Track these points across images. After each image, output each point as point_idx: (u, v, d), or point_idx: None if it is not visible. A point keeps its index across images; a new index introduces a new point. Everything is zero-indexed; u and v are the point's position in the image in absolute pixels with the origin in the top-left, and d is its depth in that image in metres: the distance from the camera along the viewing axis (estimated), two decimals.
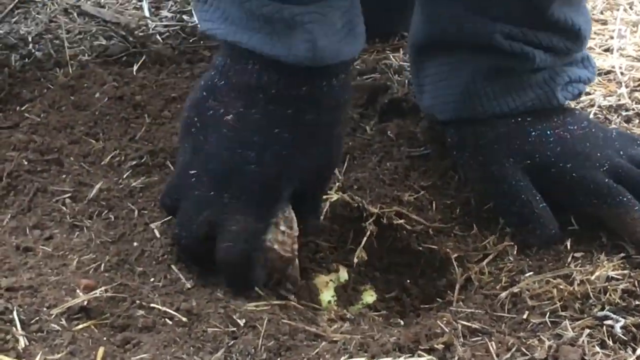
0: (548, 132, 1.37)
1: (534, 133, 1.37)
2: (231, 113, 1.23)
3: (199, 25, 1.30)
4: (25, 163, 1.39)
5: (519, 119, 1.40)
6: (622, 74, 1.54)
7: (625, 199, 1.30)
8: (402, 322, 1.22)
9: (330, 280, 1.29)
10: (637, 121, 1.50)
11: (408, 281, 1.33)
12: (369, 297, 1.30)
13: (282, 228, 1.24)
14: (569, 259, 1.27)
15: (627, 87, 1.53)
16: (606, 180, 1.32)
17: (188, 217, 1.24)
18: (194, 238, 1.23)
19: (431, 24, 1.48)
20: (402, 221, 1.34)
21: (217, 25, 1.24)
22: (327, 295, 1.27)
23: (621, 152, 1.36)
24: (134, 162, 1.39)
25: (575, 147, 1.35)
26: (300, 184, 1.26)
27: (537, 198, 1.33)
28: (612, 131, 1.45)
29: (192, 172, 1.24)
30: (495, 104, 1.39)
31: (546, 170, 1.35)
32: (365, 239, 1.31)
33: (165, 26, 1.66)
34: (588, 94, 1.52)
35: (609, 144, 1.37)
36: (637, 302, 1.19)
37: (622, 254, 1.27)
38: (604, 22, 1.64)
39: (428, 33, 1.48)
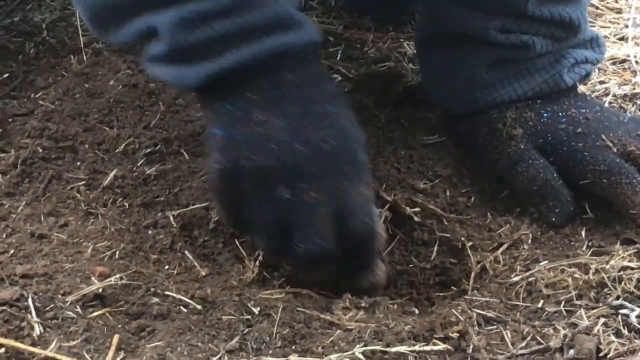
0: (560, 114, 1.38)
1: (545, 115, 1.39)
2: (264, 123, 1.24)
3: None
4: (40, 150, 1.40)
5: (530, 102, 1.40)
6: (637, 62, 1.54)
7: (635, 180, 1.30)
8: (416, 311, 1.21)
9: None
10: None
11: (423, 269, 1.33)
12: None
13: None
14: (584, 248, 1.27)
15: None
16: (617, 160, 1.31)
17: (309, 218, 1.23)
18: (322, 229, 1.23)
19: (431, 19, 1.50)
20: (417, 209, 1.34)
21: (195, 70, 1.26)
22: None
23: (633, 134, 1.38)
24: (149, 150, 1.39)
25: (587, 128, 1.35)
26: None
27: (555, 176, 1.34)
28: (625, 115, 1.46)
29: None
30: (503, 92, 1.40)
31: (558, 149, 1.36)
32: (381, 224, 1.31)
33: None
34: (603, 82, 1.51)
35: (620, 126, 1.37)
36: None
37: (637, 243, 1.26)
38: (619, 11, 1.63)
39: (429, 28, 1.51)
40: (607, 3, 1.65)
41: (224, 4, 1.21)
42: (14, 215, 1.29)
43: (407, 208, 1.33)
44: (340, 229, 1.23)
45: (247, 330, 1.12)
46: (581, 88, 1.53)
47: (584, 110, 1.37)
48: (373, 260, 1.28)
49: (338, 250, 1.23)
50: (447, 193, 1.37)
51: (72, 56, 1.63)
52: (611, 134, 1.32)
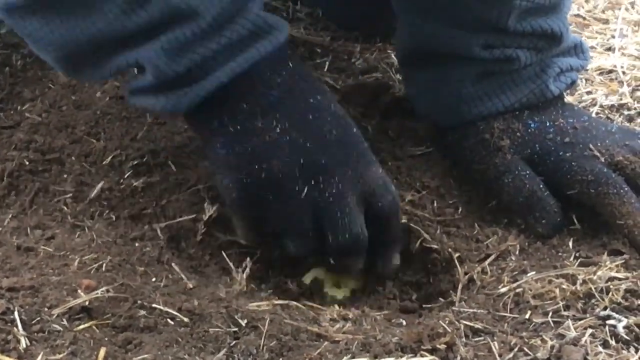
0: (548, 124, 1.38)
1: (532, 125, 1.39)
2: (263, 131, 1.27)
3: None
4: (27, 163, 1.40)
5: (517, 113, 1.41)
6: (623, 73, 1.55)
7: (622, 191, 1.30)
8: (404, 322, 1.21)
9: (341, 279, 1.31)
10: (639, 120, 1.50)
11: (410, 280, 1.33)
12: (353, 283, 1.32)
13: None
14: (571, 259, 1.27)
15: (629, 86, 1.53)
16: (605, 170, 1.32)
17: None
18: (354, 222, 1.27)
19: (413, 37, 1.51)
20: (404, 220, 1.34)
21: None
22: (337, 292, 1.30)
23: (621, 144, 1.37)
24: (136, 162, 1.39)
25: (574, 137, 1.36)
26: None
27: (541, 187, 1.34)
28: (613, 125, 1.45)
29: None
30: (490, 105, 1.41)
31: (546, 159, 1.36)
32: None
33: None
34: (590, 93, 1.52)
35: (608, 136, 1.37)
36: (639, 302, 1.19)
37: (625, 254, 1.26)
38: (606, 22, 1.64)
39: (411, 45, 1.51)
40: (594, 14, 1.66)
41: (203, 27, 1.23)
42: (0, 228, 1.29)
43: None
44: (368, 210, 1.27)
45: (234, 342, 1.11)
46: (569, 99, 1.53)
47: (571, 120, 1.38)
48: (400, 233, 1.32)
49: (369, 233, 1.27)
50: (435, 204, 1.37)
51: None
52: (599, 144, 1.33)
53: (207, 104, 1.26)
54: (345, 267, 1.28)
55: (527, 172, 1.34)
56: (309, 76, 1.35)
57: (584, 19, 1.64)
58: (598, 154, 1.31)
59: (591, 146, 1.33)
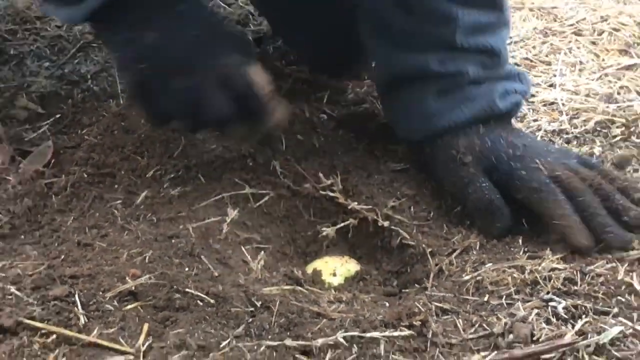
0: (501, 140, 1.38)
1: (489, 141, 1.38)
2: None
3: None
4: (85, 176, 1.41)
5: (475, 129, 1.41)
6: (563, 104, 1.54)
7: (559, 198, 1.31)
8: (387, 304, 1.21)
9: (337, 269, 1.30)
10: (575, 142, 1.50)
11: (392, 269, 1.34)
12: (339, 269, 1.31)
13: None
14: (521, 253, 1.26)
15: (567, 115, 1.53)
16: (546, 181, 1.32)
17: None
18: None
19: (381, 67, 1.51)
20: (387, 221, 1.35)
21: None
22: (332, 274, 1.29)
23: (559, 162, 1.37)
24: (172, 175, 1.40)
25: (523, 152, 1.36)
26: None
27: (498, 196, 1.34)
28: (553, 146, 1.46)
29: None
30: (452, 117, 1.40)
31: (500, 169, 1.36)
32: (349, 224, 1.36)
33: None
34: (536, 120, 1.52)
35: (550, 154, 1.38)
36: (575, 288, 1.19)
37: (563, 250, 1.26)
38: (549, 63, 1.64)
39: (381, 75, 1.52)
40: (539, 57, 1.66)
41: None
42: (64, 228, 1.29)
43: (380, 220, 1.34)
44: (229, 92, 1.28)
45: (250, 320, 1.12)
46: (518, 125, 1.53)
47: (520, 139, 1.38)
48: (262, 107, 1.31)
49: (237, 108, 1.29)
50: (412, 209, 1.37)
51: (111, 100, 1.63)
52: (542, 159, 1.33)
53: (99, 18, 1.30)
54: (227, 137, 1.31)
55: (486, 183, 1.34)
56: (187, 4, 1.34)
57: (532, 61, 1.64)
58: (542, 168, 1.31)
59: (536, 160, 1.33)
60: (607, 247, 1.27)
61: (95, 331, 1.08)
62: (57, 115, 1.63)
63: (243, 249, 1.28)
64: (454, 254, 1.28)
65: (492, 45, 1.43)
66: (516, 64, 1.64)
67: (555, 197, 1.30)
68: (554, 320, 1.14)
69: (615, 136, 1.47)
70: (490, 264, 1.25)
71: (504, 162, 1.35)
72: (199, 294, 1.15)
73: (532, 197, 1.32)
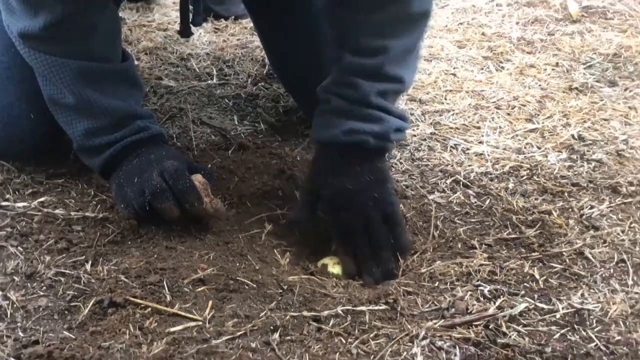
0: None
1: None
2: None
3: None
4: None
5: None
6: (488, 155, 1.53)
7: (357, 239, 1.20)
8: (369, 289, 1.21)
9: (337, 264, 1.24)
10: (496, 180, 1.42)
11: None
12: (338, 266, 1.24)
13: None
14: (460, 254, 1.26)
15: (491, 162, 1.50)
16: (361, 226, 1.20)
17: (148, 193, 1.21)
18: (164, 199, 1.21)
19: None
20: None
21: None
22: (333, 269, 1.24)
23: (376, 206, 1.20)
24: (229, 202, 1.38)
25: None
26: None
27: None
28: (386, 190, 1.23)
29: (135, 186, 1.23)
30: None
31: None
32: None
33: (246, 129, 1.66)
34: (470, 165, 1.50)
35: (372, 199, 1.20)
36: (496, 277, 1.19)
37: (486, 254, 1.25)
38: (479, 128, 1.63)
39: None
40: (472, 123, 1.65)
41: (105, 124, 1.26)
42: (157, 237, 1.25)
43: None
44: (165, 176, 1.21)
45: (280, 298, 1.13)
46: (463, 164, 1.50)
47: (362, 176, 1.23)
48: (191, 190, 1.20)
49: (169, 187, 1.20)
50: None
51: (188, 152, 1.57)
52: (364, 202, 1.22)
53: (106, 167, 1.28)
54: (163, 210, 1.21)
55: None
56: (163, 149, 1.29)
57: (467, 126, 1.63)
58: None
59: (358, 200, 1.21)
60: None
61: (176, 305, 1.08)
62: None
63: (275, 250, 1.27)
64: (415, 255, 1.26)
65: (400, 76, 1.22)
66: (456, 127, 1.62)
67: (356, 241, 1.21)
68: (481, 299, 1.14)
69: (522, 176, 1.47)
70: (439, 261, 1.23)
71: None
72: (246, 280, 1.15)
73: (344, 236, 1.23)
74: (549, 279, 1.18)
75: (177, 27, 1.89)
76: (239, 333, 1.04)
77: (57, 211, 1.30)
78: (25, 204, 1.31)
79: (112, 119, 1.28)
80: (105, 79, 1.28)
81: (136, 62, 1.86)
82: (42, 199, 1.33)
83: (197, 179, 1.24)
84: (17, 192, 1.34)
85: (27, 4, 1.20)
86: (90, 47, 1.26)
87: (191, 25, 1.59)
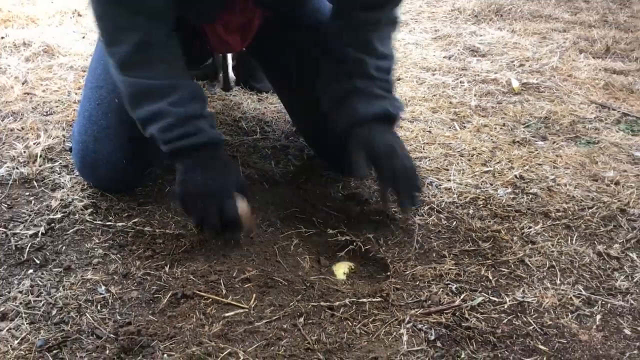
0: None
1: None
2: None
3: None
4: None
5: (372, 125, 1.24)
6: (454, 189, 1.52)
7: (400, 180, 1.23)
8: (369, 285, 1.20)
9: (345, 267, 1.25)
10: (460, 208, 1.43)
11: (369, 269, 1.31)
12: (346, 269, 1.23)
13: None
14: (433, 261, 1.26)
15: (457, 195, 1.45)
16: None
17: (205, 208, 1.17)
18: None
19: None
20: (368, 246, 1.28)
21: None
22: (342, 271, 1.23)
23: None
24: (266, 223, 1.36)
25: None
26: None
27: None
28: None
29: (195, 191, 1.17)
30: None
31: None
32: (351, 248, 1.28)
33: (280, 170, 1.61)
34: (441, 197, 1.47)
35: (406, 150, 1.26)
36: (460, 278, 1.19)
37: (454, 262, 1.24)
38: (447, 169, 1.62)
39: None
40: (443, 166, 1.63)
41: (173, 122, 1.15)
42: (214, 247, 1.24)
43: (363, 245, 1.29)
44: (220, 213, 1.16)
45: (304, 292, 1.13)
46: (438, 195, 1.47)
47: (397, 142, 1.28)
48: (236, 225, 1.18)
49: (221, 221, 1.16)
50: (381, 240, 1.30)
51: None
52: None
53: (174, 155, 1.18)
54: (214, 238, 1.19)
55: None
56: (218, 156, 1.20)
57: (439, 169, 1.62)
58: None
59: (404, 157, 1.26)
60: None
61: (229, 297, 1.09)
62: None
63: (299, 257, 1.25)
64: (401, 262, 1.24)
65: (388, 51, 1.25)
66: (431, 169, 1.58)
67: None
68: (450, 294, 1.14)
69: (479, 205, 1.46)
70: (420, 266, 1.22)
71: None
72: (279, 279, 1.15)
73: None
74: (499, 280, 1.18)
75: (231, 97, 1.95)
76: (274, 317, 1.05)
77: (145, 229, 1.30)
78: (122, 223, 1.32)
79: (180, 119, 1.17)
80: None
81: None
82: (135, 220, 1.33)
83: (242, 208, 1.20)
84: (117, 215, 1.35)
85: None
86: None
87: (233, 84, 1.54)
